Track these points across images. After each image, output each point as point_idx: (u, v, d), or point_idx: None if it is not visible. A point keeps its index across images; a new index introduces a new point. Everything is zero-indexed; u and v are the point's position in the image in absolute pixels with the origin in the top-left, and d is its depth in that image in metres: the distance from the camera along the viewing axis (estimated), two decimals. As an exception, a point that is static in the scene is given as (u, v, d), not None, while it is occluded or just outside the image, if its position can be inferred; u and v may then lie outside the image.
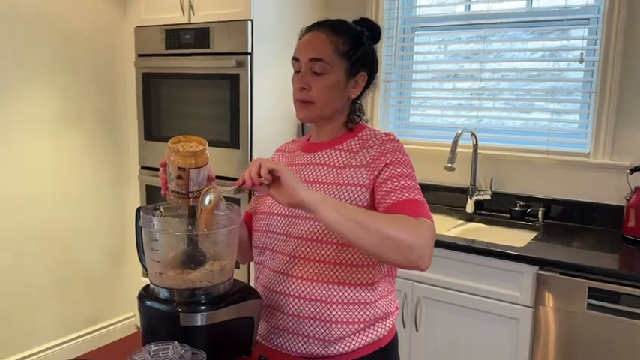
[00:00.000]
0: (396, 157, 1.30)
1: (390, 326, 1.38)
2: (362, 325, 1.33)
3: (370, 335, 1.34)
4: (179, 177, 1.25)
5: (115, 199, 3.21)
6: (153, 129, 3.06)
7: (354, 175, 1.31)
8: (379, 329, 1.35)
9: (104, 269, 3.19)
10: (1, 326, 2.73)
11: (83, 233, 3.06)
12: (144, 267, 1.30)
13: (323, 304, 1.31)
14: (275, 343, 1.36)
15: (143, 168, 3.14)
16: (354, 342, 1.33)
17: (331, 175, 1.34)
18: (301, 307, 1.32)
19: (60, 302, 2.98)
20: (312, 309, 1.31)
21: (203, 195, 1.17)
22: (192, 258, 1.17)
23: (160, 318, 1.15)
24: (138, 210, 1.27)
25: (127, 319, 3.30)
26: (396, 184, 1.26)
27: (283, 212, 1.36)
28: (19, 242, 2.77)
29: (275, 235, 1.37)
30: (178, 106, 2.94)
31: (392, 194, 1.25)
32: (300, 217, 1.31)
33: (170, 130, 2.97)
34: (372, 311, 1.34)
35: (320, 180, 1.35)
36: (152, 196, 3.09)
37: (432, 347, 2.39)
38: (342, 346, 1.32)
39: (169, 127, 2.99)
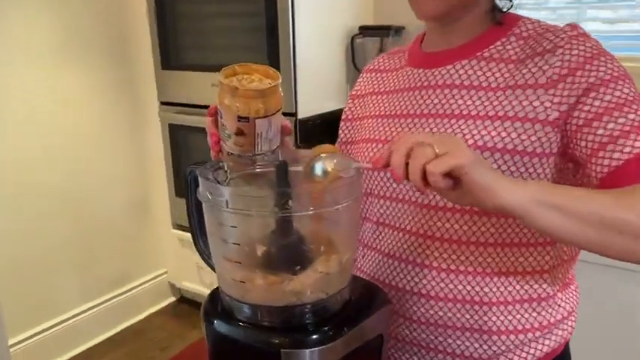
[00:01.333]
0: (603, 68, 0.79)
1: (571, 328, 0.95)
2: (535, 334, 0.90)
3: (545, 345, 0.91)
4: (239, 132, 0.81)
5: (133, 143, 2.75)
6: (171, 55, 2.56)
7: (524, 103, 0.83)
8: (557, 335, 0.92)
9: (128, 223, 2.78)
10: (21, 296, 2.37)
11: (101, 186, 2.63)
12: (205, 259, 0.86)
13: (475, 307, 0.88)
14: (395, 361, 0.95)
15: (163, 104, 2.65)
16: (520, 357, 0.90)
17: (476, 104, 0.86)
18: (440, 313, 0.89)
19: (83, 265, 2.60)
20: (457, 314, 0.89)
21: (312, 162, 0.72)
22: (295, 254, 0.72)
23: (243, 352, 0.72)
24: (190, 171, 0.82)
25: (159, 276, 2.92)
26: (614, 125, 0.76)
27: None
28: (31, 203, 2.37)
29: (398, 204, 0.92)
30: (200, 24, 2.42)
31: (612, 146, 0.75)
32: None
33: (191, 56, 2.47)
34: (550, 310, 0.90)
35: (452, 112, 0.88)
36: (177, 137, 2.63)
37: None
38: None
39: (190, 52, 2.49)
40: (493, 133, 0.83)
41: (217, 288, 0.80)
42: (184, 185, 0.84)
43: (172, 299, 2.97)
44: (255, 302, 0.70)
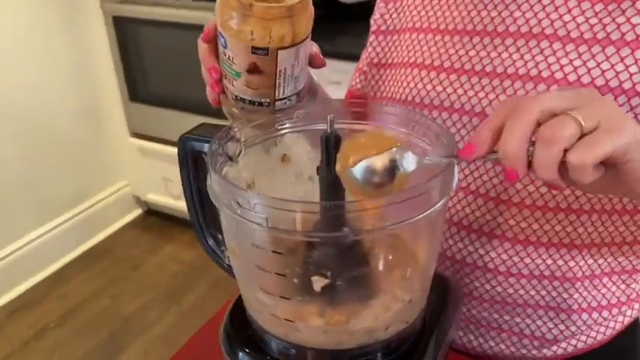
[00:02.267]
0: None
1: None
2: (621, 308, 0.75)
3: (627, 317, 0.77)
4: (254, 68, 0.59)
5: (71, 42, 2.36)
6: None
7: None
8: (637, 305, 0.77)
9: (79, 135, 2.47)
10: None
11: (43, 95, 2.27)
12: (219, 263, 0.64)
13: (555, 283, 0.72)
14: (458, 340, 0.79)
15: (102, -8, 2.26)
16: (598, 334, 0.76)
17: (590, 21, 0.63)
18: (510, 290, 0.74)
19: (34, 185, 2.33)
20: (531, 291, 0.73)
21: (361, 162, 0.48)
22: (366, 281, 0.50)
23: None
24: (185, 143, 0.58)
25: (121, 189, 2.67)
26: None
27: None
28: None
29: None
30: None
31: None
32: None
33: None
34: (633, 281, 0.74)
35: (554, 32, 0.65)
36: (124, 32, 2.27)
37: None
38: (576, 342, 0.76)
39: None
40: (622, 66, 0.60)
41: (238, 304, 0.59)
42: (179, 163, 0.60)
43: (139, 212, 2.75)
44: (308, 345, 0.50)
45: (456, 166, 0.49)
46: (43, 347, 2.05)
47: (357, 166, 0.47)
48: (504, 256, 0.72)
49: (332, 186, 0.51)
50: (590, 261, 0.71)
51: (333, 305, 0.48)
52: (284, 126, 0.62)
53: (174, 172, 2.45)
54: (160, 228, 2.64)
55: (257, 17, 0.56)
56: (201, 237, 0.62)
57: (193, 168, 0.60)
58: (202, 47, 0.65)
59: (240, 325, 0.58)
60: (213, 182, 0.49)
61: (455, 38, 0.72)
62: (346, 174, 0.48)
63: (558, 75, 0.64)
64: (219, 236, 0.62)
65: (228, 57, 0.61)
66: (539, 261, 0.71)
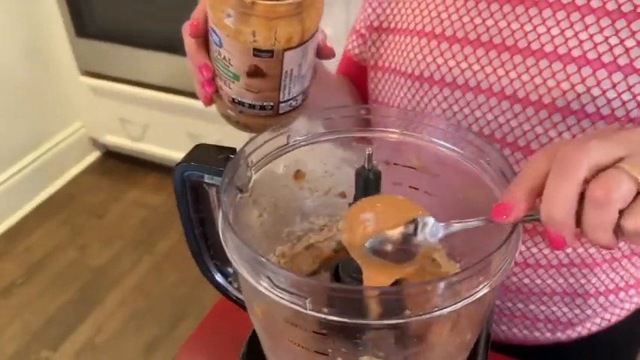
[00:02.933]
0: None
1: None
2: (638, 289, 0.74)
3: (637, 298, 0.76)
4: (256, 72, 0.51)
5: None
6: None
7: None
8: None
9: (24, 76, 2.26)
10: None
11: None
12: (232, 300, 0.57)
13: (573, 269, 0.70)
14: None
15: None
16: (613, 315, 0.75)
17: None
18: (526, 280, 0.71)
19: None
20: (548, 280, 0.71)
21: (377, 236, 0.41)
22: (412, 357, 0.44)
23: None
24: (183, 173, 0.50)
25: (75, 132, 2.50)
26: None
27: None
28: None
29: (475, 95, 0.64)
30: None
31: None
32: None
33: None
34: None
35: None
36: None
37: None
38: (591, 324, 0.75)
39: None
40: None
41: (253, 341, 0.53)
42: (176, 195, 0.52)
43: (97, 155, 2.60)
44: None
45: (519, 227, 0.42)
46: (12, 305, 1.97)
47: (371, 241, 0.41)
48: (522, 248, 0.68)
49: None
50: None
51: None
52: (295, 139, 0.53)
53: (130, 111, 2.32)
54: (120, 172, 2.51)
55: (260, 17, 0.47)
56: (206, 273, 0.55)
57: (193, 199, 0.51)
58: (189, 41, 0.55)
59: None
60: (231, 245, 0.41)
61: (469, 3, 0.63)
62: (357, 249, 0.41)
63: (562, 50, 0.57)
64: (228, 269, 0.55)
65: (224, 57, 0.52)
66: (558, 251, 0.67)
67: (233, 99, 0.55)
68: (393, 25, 0.72)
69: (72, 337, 1.83)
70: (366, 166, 0.43)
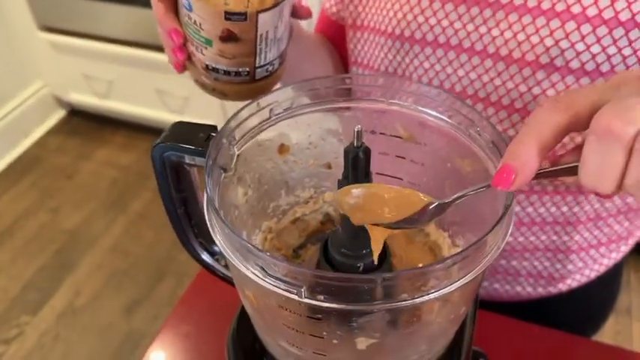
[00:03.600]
0: None
1: None
2: (619, 243, 0.75)
3: (619, 254, 0.78)
4: (229, 36, 0.50)
5: None
6: None
7: None
8: (632, 240, 0.78)
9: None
10: None
11: None
12: (220, 278, 0.56)
13: (557, 227, 0.72)
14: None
15: None
16: (592, 271, 0.77)
17: None
18: (512, 238, 0.72)
19: None
20: (531, 237, 0.72)
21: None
22: (407, 336, 0.44)
23: None
24: (162, 154, 0.48)
25: (38, 91, 2.41)
26: None
27: None
28: None
29: (458, 54, 0.64)
30: None
31: None
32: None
33: None
34: (637, 217, 0.74)
35: None
36: None
37: None
38: (571, 280, 0.77)
39: None
40: None
41: (243, 317, 0.53)
42: (156, 176, 0.49)
43: (62, 114, 2.52)
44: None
45: (514, 204, 0.41)
46: (-15, 272, 1.94)
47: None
48: None
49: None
50: (597, 205, 0.68)
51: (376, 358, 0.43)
52: (278, 112, 0.51)
53: (94, 68, 2.23)
54: (87, 130, 2.44)
55: None
56: (192, 252, 0.53)
57: (174, 179, 0.49)
58: (156, 4, 0.52)
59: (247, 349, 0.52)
60: (220, 233, 0.40)
61: None
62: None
63: (545, 5, 0.56)
64: (214, 247, 0.54)
65: (195, 21, 0.50)
66: (542, 209, 0.68)
67: (207, 65, 0.53)
68: (355, 22, 0.69)
69: (51, 301, 1.81)
70: (355, 143, 0.42)
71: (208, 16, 0.48)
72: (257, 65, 0.54)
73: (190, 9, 0.49)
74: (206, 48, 0.51)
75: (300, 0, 0.57)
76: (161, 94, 2.14)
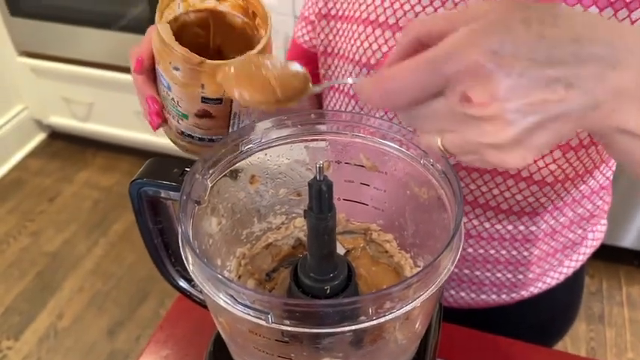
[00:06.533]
0: None
1: (604, 230, 0.85)
2: (572, 250, 0.80)
3: (580, 256, 0.84)
4: (204, 114, 0.53)
5: None
6: None
7: None
8: (592, 242, 0.84)
9: (-44, 59, 2.17)
10: None
11: None
12: (197, 304, 0.60)
13: (516, 244, 0.76)
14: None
15: None
16: (552, 279, 0.82)
17: None
18: (472, 250, 0.76)
19: None
20: (494, 251, 0.76)
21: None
22: (372, 353, 0.48)
23: None
24: (140, 190, 0.51)
25: (18, 114, 2.42)
26: None
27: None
28: None
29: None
30: None
31: None
32: None
33: None
34: (589, 225, 0.79)
35: None
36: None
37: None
38: (533, 288, 0.82)
39: None
40: None
41: (219, 340, 0.56)
42: (134, 211, 0.53)
43: (43, 137, 2.53)
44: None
45: (462, 229, 0.45)
46: (-34, 297, 1.94)
47: None
48: (464, 219, 0.72)
49: (322, 235, 0.47)
50: (552, 221, 0.73)
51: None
52: (249, 146, 0.55)
53: (74, 91, 2.25)
54: (68, 153, 2.46)
55: (209, 73, 0.48)
56: (169, 279, 0.57)
57: (151, 212, 0.53)
58: (136, 78, 0.55)
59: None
60: (195, 268, 0.43)
61: None
62: None
63: None
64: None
65: (172, 98, 0.52)
66: (499, 226, 0.72)
67: (182, 132, 0.56)
68: (341, 13, 0.73)
69: (33, 325, 1.82)
70: (317, 177, 0.45)
71: (186, 97, 0.51)
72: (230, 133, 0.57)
73: (169, 89, 0.51)
74: (182, 120, 0.54)
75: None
76: (140, 116, 2.17)
